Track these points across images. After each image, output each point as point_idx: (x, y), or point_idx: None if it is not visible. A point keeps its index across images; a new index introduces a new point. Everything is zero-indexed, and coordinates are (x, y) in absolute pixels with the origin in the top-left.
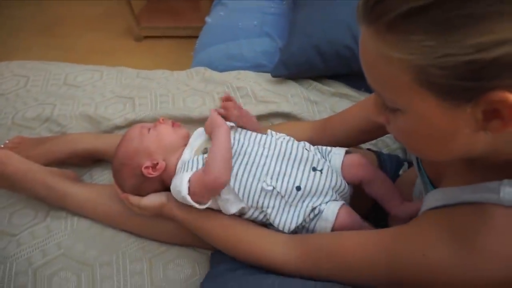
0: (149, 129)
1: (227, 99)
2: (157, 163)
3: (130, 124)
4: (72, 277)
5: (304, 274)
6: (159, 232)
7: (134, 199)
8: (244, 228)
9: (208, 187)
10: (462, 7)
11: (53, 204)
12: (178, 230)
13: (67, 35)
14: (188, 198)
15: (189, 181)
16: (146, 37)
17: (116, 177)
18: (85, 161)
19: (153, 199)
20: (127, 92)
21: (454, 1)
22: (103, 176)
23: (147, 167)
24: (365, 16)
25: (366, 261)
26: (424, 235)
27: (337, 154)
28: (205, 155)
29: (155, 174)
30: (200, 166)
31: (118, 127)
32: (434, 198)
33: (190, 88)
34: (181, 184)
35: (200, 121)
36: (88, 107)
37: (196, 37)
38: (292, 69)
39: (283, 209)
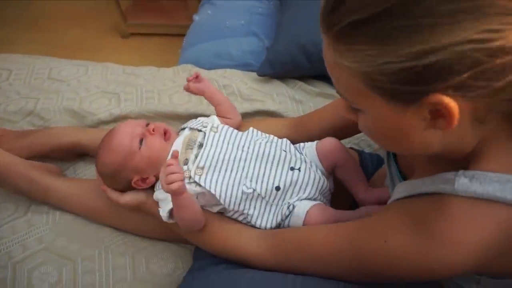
0: (140, 140)
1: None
2: (147, 178)
3: (116, 119)
4: (53, 271)
5: (276, 267)
6: (143, 227)
7: (113, 194)
8: (220, 223)
9: (185, 229)
10: (396, 20)
11: (36, 198)
12: (162, 226)
13: (53, 30)
14: (169, 221)
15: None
16: (133, 34)
17: (102, 178)
18: (68, 155)
19: (133, 197)
20: (113, 87)
21: (390, 14)
22: (87, 171)
23: (137, 181)
24: (322, 26)
25: (332, 251)
26: (386, 223)
27: (310, 146)
28: (185, 166)
29: (144, 186)
30: None
31: (103, 122)
32: (398, 190)
33: (176, 84)
34: (163, 210)
35: (186, 118)
36: (73, 101)
37: (183, 35)
38: (278, 68)
39: (264, 209)
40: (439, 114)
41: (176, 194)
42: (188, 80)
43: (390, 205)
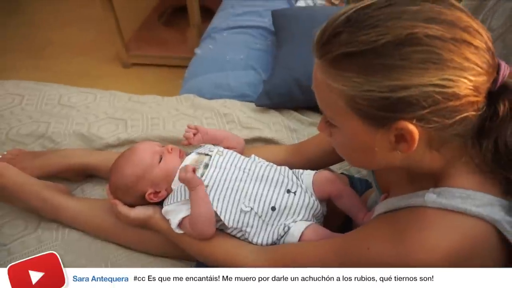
0: (160, 157)
1: (189, 129)
2: (160, 191)
3: (123, 143)
4: None
5: None
6: (147, 244)
7: (123, 209)
8: (221, 239)
9: (195, 236)
10: (380, 58)
11: (47, 216)
12: (166, 243)
13: (56, 58)
14: (178, 231)
15: (180, 222)
16: (134, 64)
17: (113, 190)
18: (77, 175)
19: (141, 212)
20: (120, 114)
21: (376, 53)
22: (94, 191)
23: (150, 194)
24: (316, 52)
25: (321, 263)
26: (369, 233)
27: (308, 174)
28: None
29: (156, 200)
30: (183, 197)
31: (111, 146)
32: (379, 207)
33: (179, 112)
34: (174, 219)
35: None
36: (82, 126)
37: (182, 66)
38: (275, 99)
39: (261, 228)
40: (403, 139)
41: (193, 184)
42: (186, 131)
43: (373, 218)
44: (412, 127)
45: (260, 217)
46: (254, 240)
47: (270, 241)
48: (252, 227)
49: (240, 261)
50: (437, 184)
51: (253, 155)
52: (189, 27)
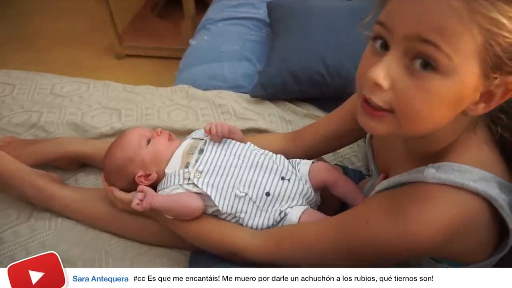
0: (148, 140)
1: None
2: (150, 174)
3: (117, 133)
4: None
5: (268, 257)
6: (142, 232)
7: (119, 194)
8: (216, 222)
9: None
10: None
11: (39, 204)
12: (160, 231)
13: (48, 50)
14: (169, 217)
15: None
16: (128, 55)
17: (107, 175)
18: (71, 164)
19: None
20: (114, 103)
21: None
22: (88, 181)
23: (140, 176)
24: None
25: (321, 239)
26: (368, 208)
27: (305, 163)
28: (186, 169)
29: (146, 183)
30: (178, 181)
31: (105, 135)
32: (379, 186)
33: (174, 103)
34: None
35: (184, 133)
36: (75, 115)
37: (176, 58)
38: (269, 90)
39: (255, 214)
40: (505, 94)
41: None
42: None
43: (372, 195)
44: None
45: (254, 202)
46: (249, 225)
47: (265, 226)
48: (246, 212)
49: (237, 241)
50: (437, 160)
51: (248, 142)
52: (183, 18)
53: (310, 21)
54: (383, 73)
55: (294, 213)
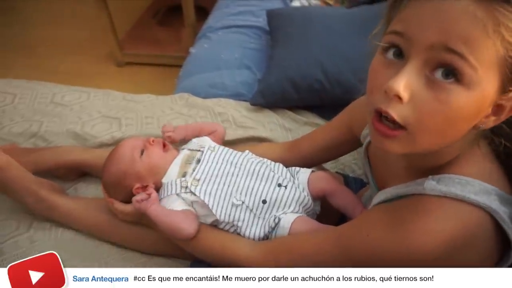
0: (141, 151)
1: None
2: (147, 185)
3: (117, 142)
4: None
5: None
6: (141, 242)
7: (119, 205)
8: (216, 233)
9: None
10: None
11: (40, 213)
12: (160, 240)
13: (49, 57)
14: None
15: None
16: (128, 63)
17: (105, 188)
18: (71, 173)
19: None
20: (114, 112)
21: None
22: (88, 190)
23: (137, 188)
24: None
25: (320, 251)
26: (368, 220)
27: (304, 172)
28: (183, 178)
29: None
30: (175, 190)
31: (105, 144)
32: (378, 197)
33: (174, 111)
34: None
35: (183, 142)
36: (75, 125)
37: (176, 66)
38: (269, 98)
39: (252, 222)
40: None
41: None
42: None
43: (371, 208)
44: None
45: (251, 210)
46: (246, 234)
47: (262, 234)
48: (243, 221)
49: (236, 253)
50: (437, 173)
51: (246, 151)
52: (183, 26)
53: (310, 29)
54: (404, 84)
55: (287, 220)
